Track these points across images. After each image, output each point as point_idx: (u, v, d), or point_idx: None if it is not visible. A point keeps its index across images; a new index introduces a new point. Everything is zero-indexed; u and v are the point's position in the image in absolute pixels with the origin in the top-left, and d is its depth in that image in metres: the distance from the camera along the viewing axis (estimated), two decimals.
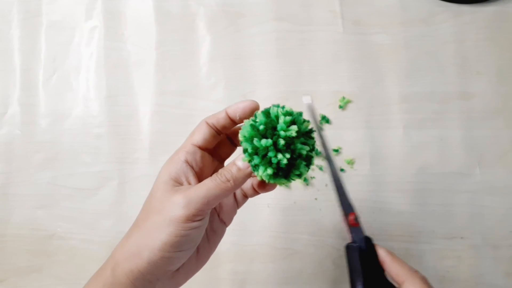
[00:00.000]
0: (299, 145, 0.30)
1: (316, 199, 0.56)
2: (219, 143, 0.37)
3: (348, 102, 0.58)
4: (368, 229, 0.55)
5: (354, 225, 0.34)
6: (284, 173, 0.31)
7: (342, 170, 0.56)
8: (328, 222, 0.55)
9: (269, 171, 0.30)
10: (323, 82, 0.58)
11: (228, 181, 0.31)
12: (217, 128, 0.35)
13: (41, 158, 0.59)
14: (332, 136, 0.57)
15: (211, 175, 0.35)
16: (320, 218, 0.56)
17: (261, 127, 0.30)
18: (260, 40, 0.60)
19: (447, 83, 0.58)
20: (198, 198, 0.30)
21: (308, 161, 0.32)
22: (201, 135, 0.34)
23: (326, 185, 0.56)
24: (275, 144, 0.30)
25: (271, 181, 0.31)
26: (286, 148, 0.30)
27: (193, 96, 0.59)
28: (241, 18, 0.60)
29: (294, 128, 0.30)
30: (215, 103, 0.59)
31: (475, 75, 0.58)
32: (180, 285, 0.35)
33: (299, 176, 0.32)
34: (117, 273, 0.31)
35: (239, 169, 0.32)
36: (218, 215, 0.38)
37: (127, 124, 0.59)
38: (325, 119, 0.57)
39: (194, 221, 0.31)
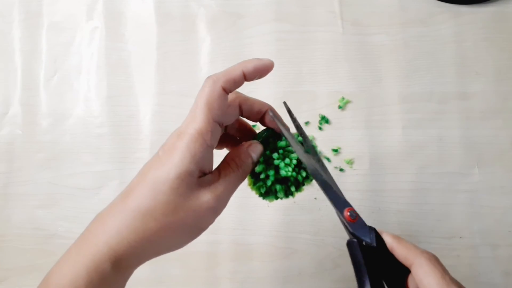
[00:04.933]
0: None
1: (315, 198, 0.56)
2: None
3: (348, 102, 0.58)
4: None
5: (351, 221, 0.32)
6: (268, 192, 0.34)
7: (341, 170, 0.57)
8: (328, 221, 0.56)
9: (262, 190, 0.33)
10: (323, 83, 0.59)
11: (246, 173, 0.31)
12: (249, 78, 0.30)
13: (42, 158, 0.59)
14: (331, 136, 0.57)
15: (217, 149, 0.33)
16: (320, 217, 0.56)
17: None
18: (260, 41, 0.60)
19: (446, 83, 0.58)
20: (226, 198, 0.29)
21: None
22: (221, 110, 0.29)
23: None
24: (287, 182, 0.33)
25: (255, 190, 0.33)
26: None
27: (193, 96, 0.59)
28: (241, 19, 0.60)
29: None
30: None
31: (474, 75, 0.58)
32: None
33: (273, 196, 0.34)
34: (122, 267, 0.28)
35: (253, 162, 0.31)
36: None
37: (128, 124, 0.60)
38: (325, 119, 0.57)
39: (217, 214, 0.30)
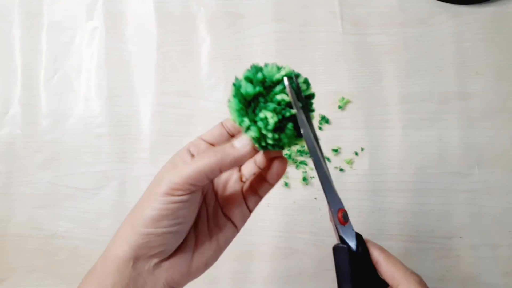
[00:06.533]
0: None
1: (315, 198, 0.56)
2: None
3: (348, 102, 0.58)
4: (368, 228, 0.55)
5: (343, 223, 0.30)
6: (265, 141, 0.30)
7: (341, 170, 0.57)
8: (328, 221, 0.55)
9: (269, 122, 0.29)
10: (323, 83, 0.59)
11: (215, 155, 0.30)
12: (230, 130, 0.35)
13: (42, 158, 0.59)
14: (331, 136, 0.57)
15: None
16: (320, 217, 0.56)
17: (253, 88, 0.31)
18: (260, 41, 0.60)
19: (446, 83, 0.58)
20: (181, 172, 0.30)
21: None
22: (209, 132, 0.35)
23: None
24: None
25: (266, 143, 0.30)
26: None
27: (193, 96, 0.60)
28: (241, 19, 0.60)
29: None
30: (215, 103, 0.59)
31: (474, 75, 0.58)
32: (177, 284, 0.33)
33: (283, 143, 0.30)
34: (106, 262, 0.31)
35: (231, 145, 0.31)
36: (221, 209, 0.36)
37: (128, 124, 0.60)
38: (325, 119, 0.57)
39: (175, 195, 0.30)
